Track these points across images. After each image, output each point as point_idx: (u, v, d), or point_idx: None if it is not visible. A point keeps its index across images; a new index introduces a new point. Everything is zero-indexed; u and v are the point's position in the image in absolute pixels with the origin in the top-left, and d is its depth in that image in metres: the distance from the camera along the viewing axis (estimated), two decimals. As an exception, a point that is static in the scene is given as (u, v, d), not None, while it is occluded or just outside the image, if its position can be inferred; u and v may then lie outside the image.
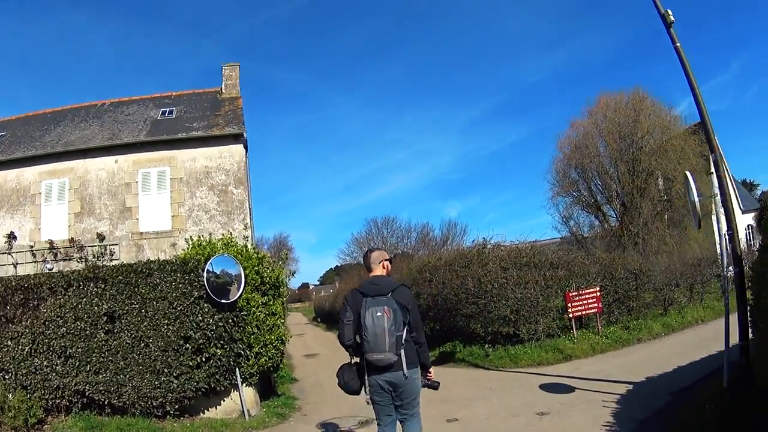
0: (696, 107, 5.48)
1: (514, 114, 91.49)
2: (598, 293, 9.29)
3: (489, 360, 8.85)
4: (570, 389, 6.22)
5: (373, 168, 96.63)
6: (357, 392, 3.37)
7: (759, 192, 31.14)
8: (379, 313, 3.10)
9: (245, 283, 6.62)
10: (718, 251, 19.32)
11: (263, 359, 6.81)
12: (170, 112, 15.13)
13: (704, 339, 8.61)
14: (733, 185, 24.75)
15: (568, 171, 23.01)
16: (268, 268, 7.36)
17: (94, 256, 11.35)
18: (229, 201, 12.55)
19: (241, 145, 12.93)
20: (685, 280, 11.32)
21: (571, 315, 9.12)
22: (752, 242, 24.30)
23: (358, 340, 3.23)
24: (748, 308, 4.26)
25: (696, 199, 4.91)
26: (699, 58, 73.82)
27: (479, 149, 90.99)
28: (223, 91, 15.88)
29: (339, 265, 50.24)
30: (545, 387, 6.57)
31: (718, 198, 4.99)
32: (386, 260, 3.50)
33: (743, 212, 24.90)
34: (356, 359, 3.35)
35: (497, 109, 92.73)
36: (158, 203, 12.55)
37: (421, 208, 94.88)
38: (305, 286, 75.99)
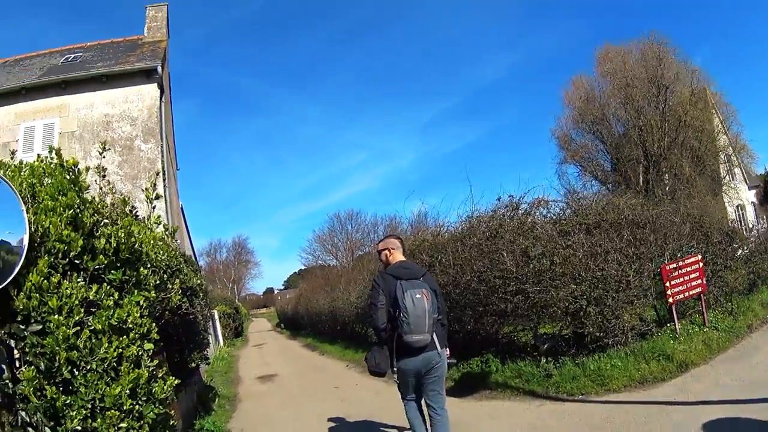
0: None
1: (471, 113, 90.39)
2: (701, 264, 6.31)
3: (553, 383, 5.34)
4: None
5: (333, 171, 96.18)
6: (384, 374, 3.31)
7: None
8: (418, 295, 3.10)
9: (28, 249, 1.90)
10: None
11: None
12: (74, 59, 11.82)
13: None
14: (739, 161, 23.01)
15: (574, 133, 20.83)
16: (106, 215, 2.80)
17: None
18: (134, 161, 9.35)
19: (155, 84, 9.83)
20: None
21: (671, 300, 5.99)
22: (757, 220, 22.62)
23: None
24: None
25: None
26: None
27: (438, 149, 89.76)
28: (146, 34, 12.48)
29: (303, 267, 50.77)
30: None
31: None
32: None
33: (749, 188, 23.25)
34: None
35: (454, 109, 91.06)
36: (42, 168, 9.47)
37: (382, 209, 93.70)
38: (270, 291, 76.26)
